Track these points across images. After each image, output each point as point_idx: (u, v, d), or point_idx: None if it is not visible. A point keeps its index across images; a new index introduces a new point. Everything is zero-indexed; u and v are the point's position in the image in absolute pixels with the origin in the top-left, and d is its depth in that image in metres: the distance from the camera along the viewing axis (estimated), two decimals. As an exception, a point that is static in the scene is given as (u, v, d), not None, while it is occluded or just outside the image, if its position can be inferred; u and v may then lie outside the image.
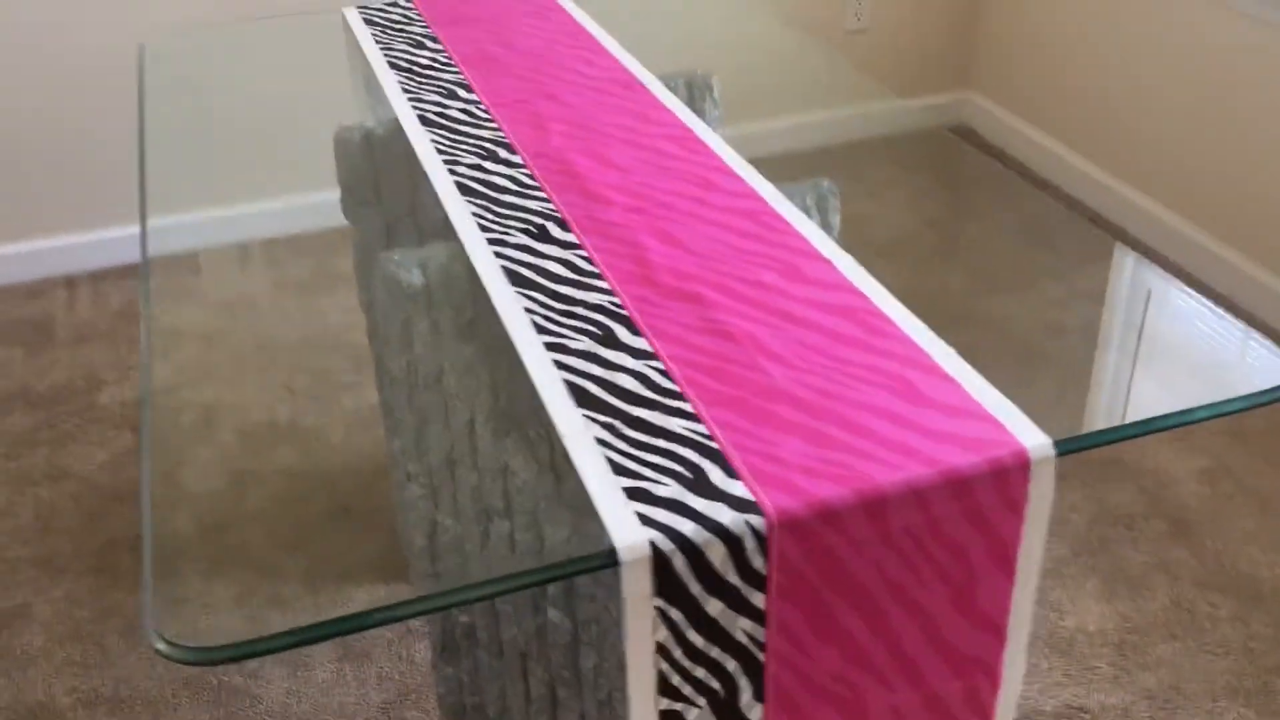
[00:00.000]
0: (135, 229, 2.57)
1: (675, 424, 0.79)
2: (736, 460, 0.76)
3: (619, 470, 0.76)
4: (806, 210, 1.11)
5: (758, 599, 0.74)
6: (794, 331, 0.89)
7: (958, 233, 2.71)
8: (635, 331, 0.90)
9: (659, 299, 0.94)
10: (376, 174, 1.31)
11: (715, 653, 0.75)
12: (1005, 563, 0.79)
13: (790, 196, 1.11)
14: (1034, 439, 0.77)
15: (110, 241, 2.49)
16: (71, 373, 2.14)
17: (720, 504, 0.73)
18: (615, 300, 0.94)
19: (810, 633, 0.77)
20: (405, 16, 1.59)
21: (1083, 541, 1.79)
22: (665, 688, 0.75)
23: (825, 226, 1.12)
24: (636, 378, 0.84)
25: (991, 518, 0.77)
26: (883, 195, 2.84)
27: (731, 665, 0.76)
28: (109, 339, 2.24)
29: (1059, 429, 0.78)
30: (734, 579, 0.73)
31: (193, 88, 1.89)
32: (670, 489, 0.74)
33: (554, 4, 1.61)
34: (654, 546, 0.70)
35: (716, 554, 0.72)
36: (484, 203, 1.10)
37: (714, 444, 0.77)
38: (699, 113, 1.42)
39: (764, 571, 0.73)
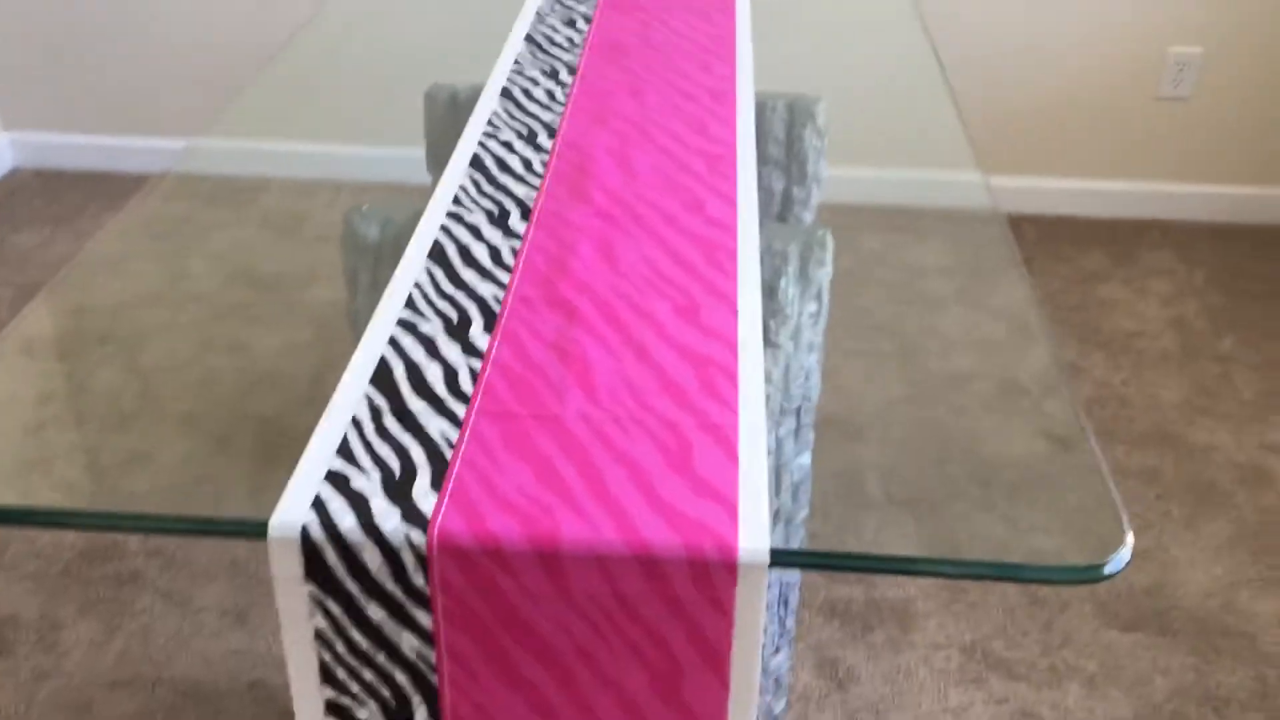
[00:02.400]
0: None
1: (435, 425, 0.78)
2: (451, 474, 0.74)
3: (341, 451, 0.75)
4: (784, 255, 1.04)
5: (423, 618, 0.72)
6: (631, 369, 0.84)
7: (1213, 342, 2.40)
8: (488, 329, 0.88)
9: (538, 305, 0.91)
10: (458, 134, 1.35)
11: (382, 659, 0.74)
12: (716, 666, 0.72)
13: (774, 239, 1.04)
14: (752, 541, 0.69)
15: (390, 160, 2.71)
16: (295, 266, 2.36)
17: (396, 511, 0.71)
18: (498, 296, 0.92)
19: (489, 673, 0.74)
20: (583, -6, 1.62)
21: (1152, 711, 1.56)
22: (329, 678, 0.75)
23: (802, 277, 1.04)
24: (446, 372, 0.83)
25: (694, 613, 0.70)
26: (1144, 282, 2.56)
27: (402, 678, 0.74)
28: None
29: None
30: (394, 589, 0.71)
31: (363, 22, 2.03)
32: (367, 483, 0.73)
33: (730, 4, 1.58)
34: (304, 532, 0.70)
35: (372, 558, 0.70)
36: (479, 178, 1.11)
37: (446, 454, 0.75)
38: (797, 138, 1.35)
39: (426, 591, 0.71)
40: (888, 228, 2.59)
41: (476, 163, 1.14)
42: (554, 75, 1.34)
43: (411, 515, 0.70)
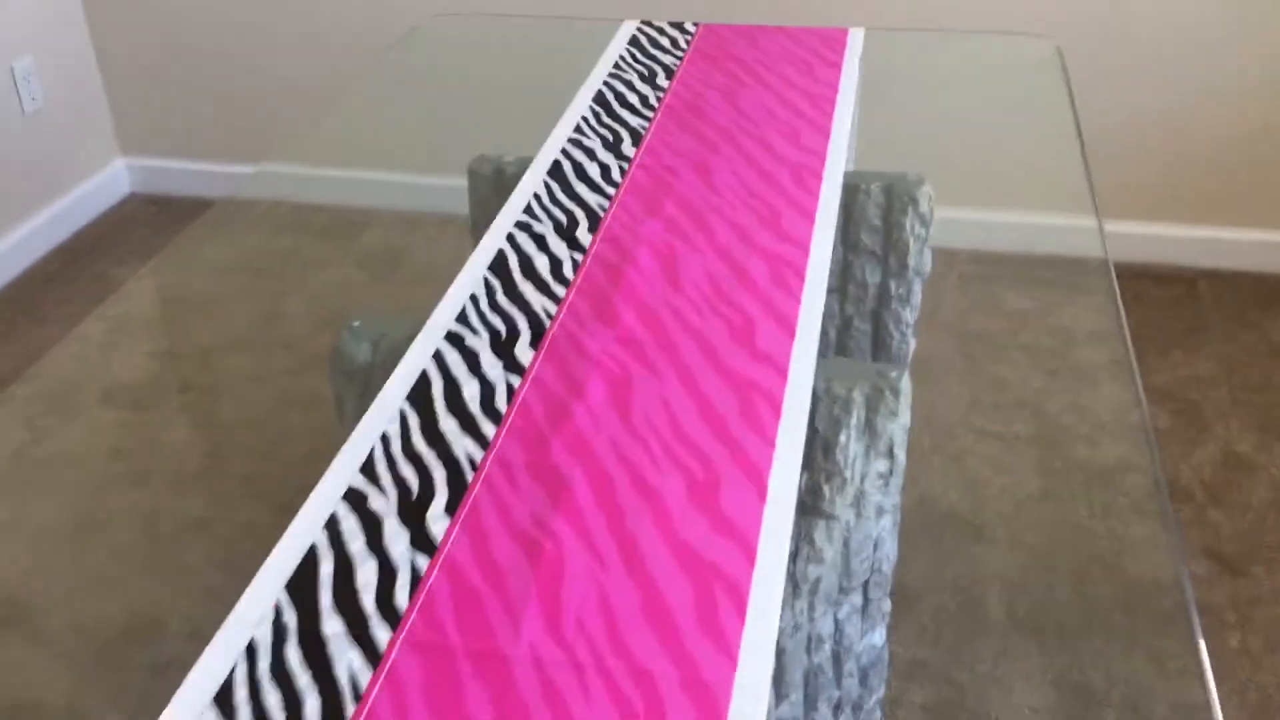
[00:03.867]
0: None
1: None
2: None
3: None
4: (846, 403, 0.83)
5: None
6: (626, 588, 0.66)
7: None
8: (450, 511, 0.71)
9: (518, 471, 0.74)
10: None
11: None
12: None
13: (834, 379, 0.84)
14: None
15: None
16: (386, 311, 2.25)
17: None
18: (473, 459, 0.75)
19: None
20: (673, 42, 1.43)
21: None
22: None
23: (868, 431, 0.84)
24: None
25: None
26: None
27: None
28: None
29: None
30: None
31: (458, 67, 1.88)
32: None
33: (837, 58, 1.38)
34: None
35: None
36: (495, 284, 0.94)
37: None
38: (896, 226, 1.14)
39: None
40: (1036, 281, 2.32)
41: (498, 266, 0.97)
42: (614, 146, 1.17)
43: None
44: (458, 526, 0.70)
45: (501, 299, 0.93)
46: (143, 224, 2.74)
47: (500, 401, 0.81)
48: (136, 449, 1.87)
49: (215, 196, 2.77)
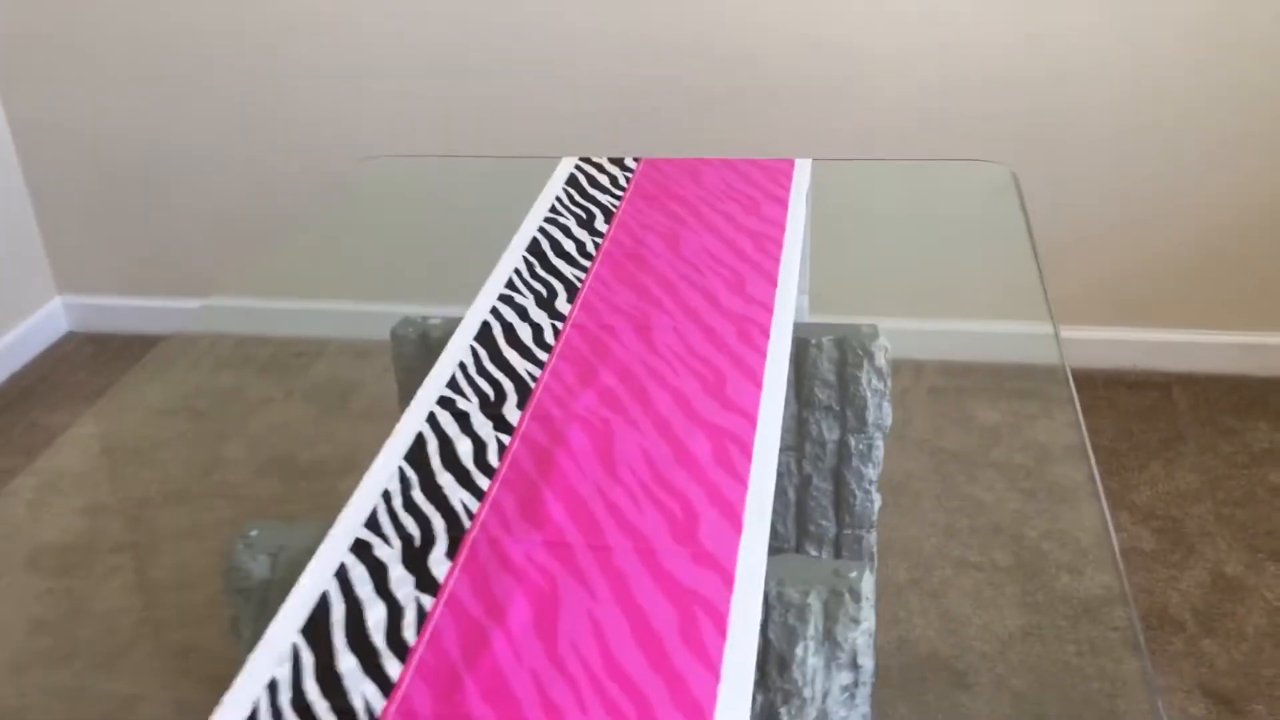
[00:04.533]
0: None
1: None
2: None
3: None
4: (801, 612, 0.74)
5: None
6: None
7: None
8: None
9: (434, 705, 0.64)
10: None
11: None
12: None
13: (786, 582, 0.75)
14: None
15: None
16: (335, 449, 2.15)
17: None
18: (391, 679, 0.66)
19: None
20: (612, 180, 1.37)
21: None
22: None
23: (828, 642, 0.74)
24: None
25: None
26: None
27: None
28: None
29: None
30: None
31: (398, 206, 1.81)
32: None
33: (784, 192, 1.31)
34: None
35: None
36: (412, 476, 0.85)
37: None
38: (852, 380, 1.06)
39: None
40: (1006, 393, 2.25)
41: (416, 453, 0.88)
42: (548, 303, 1.09)
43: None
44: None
45: (417, 495, 0.83)
46: (81, 365, 2.64)
47: (408, 631, 0.71)
48: (60, 621, 1.75)
49: (157, 332, 2.68)
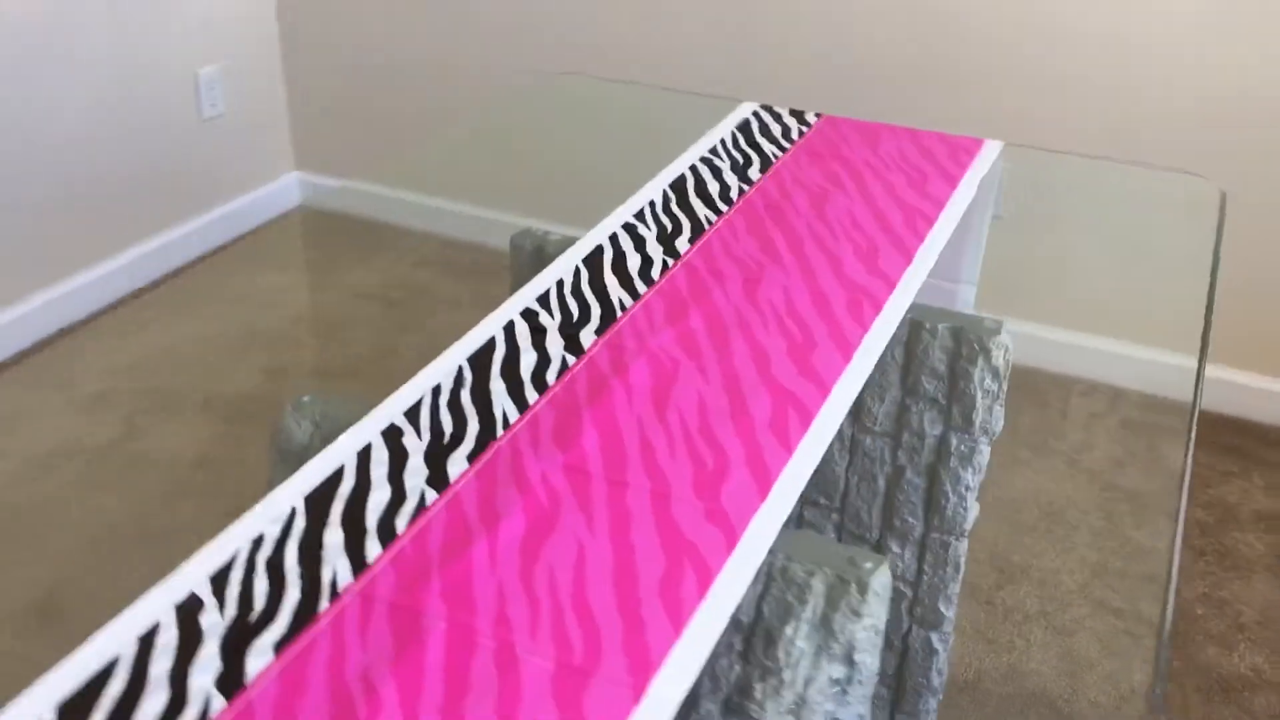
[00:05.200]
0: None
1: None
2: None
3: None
4: (802, 589, 0.69)
5: None
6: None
7: None
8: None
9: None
10: (544, 294, 1.09)
11: None
12: None
13: (796, 556, 0.70)
14: None
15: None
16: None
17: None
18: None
19: None
20: (785, 131, 1.32)
21: None
22: None
23: (822, 628, 0.69)
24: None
25: None
26: None
27: None
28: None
29: None
30: None
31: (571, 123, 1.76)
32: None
33: (959, 171, 1.23)
34: None
35: None
36: (468, 373, 0.85)
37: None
38: (963, 375, 0.98)
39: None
40: (1211, 444, 2.06)
41: (479, 357, 0.88)
42: (669, 239, 1.06)
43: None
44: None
45: (465, 395, 0.83)
46: (302, 237, 2.79)
47: (401, 520, 0.71)
48: (221, 461, 1.87)
49: (378, 219, 2.80)
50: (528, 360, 0.88)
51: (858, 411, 1.04)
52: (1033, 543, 1.52)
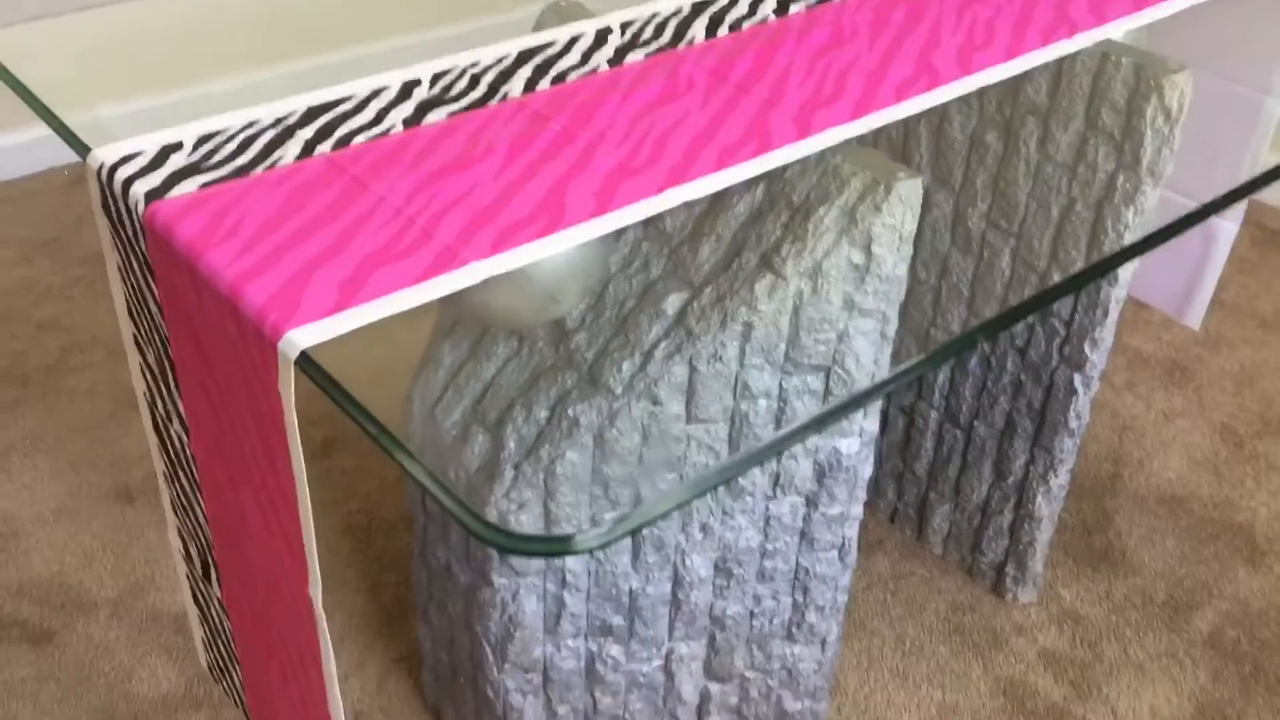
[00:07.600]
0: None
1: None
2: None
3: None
4: (840, 180, 0.85)
5: (152, 283, 0.80)
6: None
7: None
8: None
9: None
10: None
11: (152, 307, 0.83)
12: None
13: (839, 154, 0.86)
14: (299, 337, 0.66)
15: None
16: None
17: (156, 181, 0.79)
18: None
19: (186, 341, 0.80)
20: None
21: None
22: (130, 312, 0.86)
23: (847, 214, 0.85)
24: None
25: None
26: None
27: (158, 337, 0.84)
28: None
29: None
30: (140, 250, 0.80)
31: None
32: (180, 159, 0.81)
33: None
34: (101, 164, 0.80)
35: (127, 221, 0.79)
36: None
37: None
38: (1137, 112, 1.04)
39: (149, 260, 0.79)
40: None
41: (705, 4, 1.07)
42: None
43: (154, 192, 0.78)
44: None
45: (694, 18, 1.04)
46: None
47: (574, 74, 0.94)
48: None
49: None
50: (736, 11, 1.06)
51: (1043, 139, 1.13)
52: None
